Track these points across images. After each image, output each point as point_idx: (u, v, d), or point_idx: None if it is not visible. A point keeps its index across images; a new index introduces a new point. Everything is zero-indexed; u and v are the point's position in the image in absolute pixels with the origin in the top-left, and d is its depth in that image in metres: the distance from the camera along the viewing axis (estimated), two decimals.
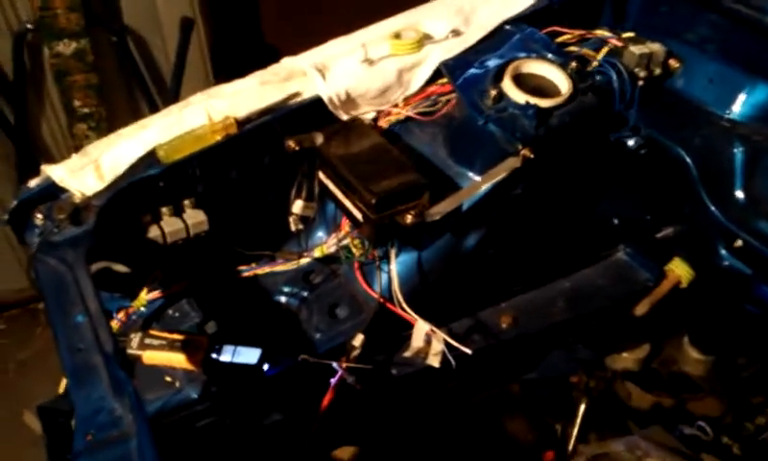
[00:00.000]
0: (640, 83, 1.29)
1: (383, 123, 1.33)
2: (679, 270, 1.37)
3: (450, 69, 1.30)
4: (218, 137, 1.18)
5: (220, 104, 1.22)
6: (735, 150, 1.26)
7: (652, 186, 1.40)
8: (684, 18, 1.41)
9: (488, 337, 1.34)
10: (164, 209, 1.21)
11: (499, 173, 1.18)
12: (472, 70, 1.29)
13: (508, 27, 1.37)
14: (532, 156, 1.17)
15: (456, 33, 1.35)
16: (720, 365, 1.58)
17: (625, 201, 1.46)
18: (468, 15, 1.39)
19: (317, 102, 1.26)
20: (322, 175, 1.23)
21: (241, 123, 1.21)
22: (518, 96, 1.22)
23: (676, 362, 1.64)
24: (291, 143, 1.24)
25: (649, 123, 1.34)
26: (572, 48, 1.43)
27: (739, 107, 1.29)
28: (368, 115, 1.32)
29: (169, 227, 1.15)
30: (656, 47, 1.38)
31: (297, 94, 1.27)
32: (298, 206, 1.23)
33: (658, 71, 1.39)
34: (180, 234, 1.16)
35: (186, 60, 2.26)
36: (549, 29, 1.45)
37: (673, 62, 1.40)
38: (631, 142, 1.33)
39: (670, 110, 1.35)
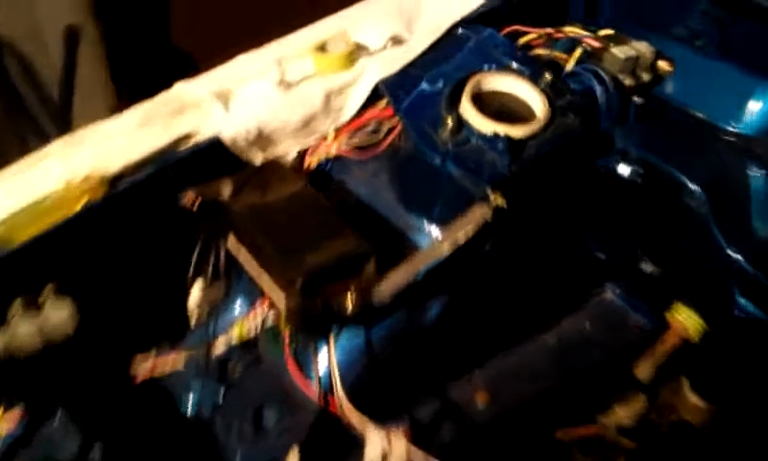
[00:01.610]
0: (637, 100, 1.03)
1: (310, 162, 1.03)
2: (686, 320, 1.13)
3: (392, 89, 1.00)
4: (78, 205, 0.85)
5: (82, 156, 0.89)
6: (750, 173, 1.02)
7: (646, 218, 1.15)
8: (673, 8, 1.16)
9: (462, 423, 1.06)
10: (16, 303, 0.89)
11: (465, 228, 0.90)
12: (420, 89, 1.00)
13: (461, 30, 1.09)
14: (504, 203, 0.90)
15: (397, 40, 1.06)
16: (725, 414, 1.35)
17: (612, 233, 1.21)
18: (410, 17, 1.10)
19: (219, 142, 0.95)
20: (230, 242, 0.92)
21: (113, 181, 0.89)
22: (483, 124, 0.94)
23: (675, 410, 1.41)
24: (190, 197, 0.93)
25: (640, 143, 1.08)
26: (540, 51, 1.17)
27: (750, 117, 1.04)
28: (289, 155, 1.02)
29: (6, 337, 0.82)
30: (642, 47, 1.12)
31: (190, 135, 0.95)
32: (196, 296, 0.91)
33: (646, 77, 1.13)
34: (29, 344, 0.83)
35: (75, 75, 1.89)
36: (510, 29, 1.18)
37: (663, 65, 1.14)
38: (623, 170, 1.07)
39: (664, 126, 1.09)
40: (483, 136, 0.92)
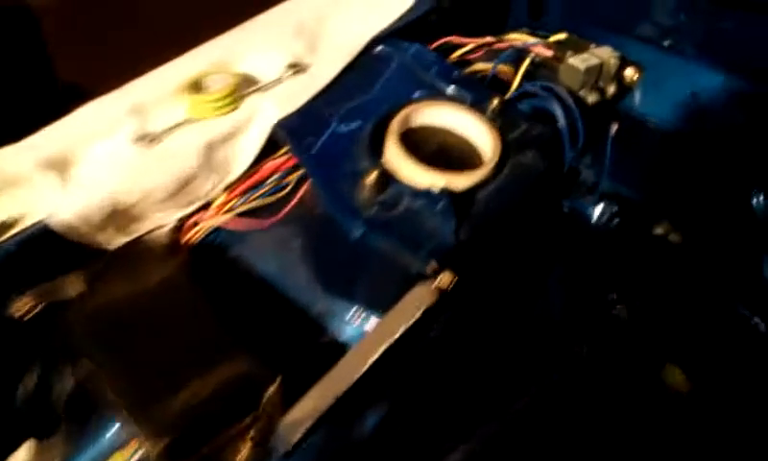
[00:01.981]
0: (613, 128, 0.81)
1: (190, 238, 0.77)
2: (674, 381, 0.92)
3: (293, 133, 0.75)
4: None
5: None
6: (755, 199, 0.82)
7: (622, 260, 0.94)
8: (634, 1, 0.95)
9: None
10: None
11: (402, 318, 0.67)
12: (331, 132, 0.76)
13: (381, 48, 0.85)
14: (453, 279, 0.66)
15: (297, 67, 0.82)
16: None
17: (581, 280, 1.00)
18: (313, 35, 0.85)
19: (54, 228, 0.69)
20: (80, 370, 0.66)
21: None
22: (416, 174, 0.70)
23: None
24: (23, 304, 0.66)
25: (613, 174, 0.87)
26: (480, 67, 0.94)
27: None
28: (163, 230, 0.76)
29: None
30: (605, 53, 0.91)
31: (14, 222, 0.68)
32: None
33: (612, 90, 0.92)
34: None
35: None
36: (441, 41, 0.95)
37: (630, 73, 0.94)
38: (595, 210, 0.85)
39: (640, 149, 0.89)
40: (417, 192, 0.69)
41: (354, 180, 0.70)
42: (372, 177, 0.68)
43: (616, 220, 0.83)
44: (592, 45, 0.92)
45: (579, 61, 0.87)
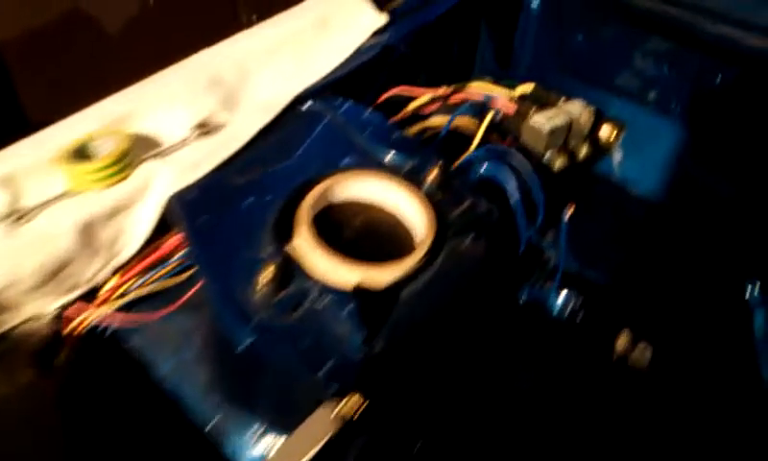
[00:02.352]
0: (568, 212, 0.68)
1: (75, 328, 0.65)
2: None
3: (189, 209, 0.64)
4: None
5: None
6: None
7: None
8: (615, 49, 0.83)
9: None
10: None
11: (303, 446, 0.54)
12: (235, 209, 0.63)
13: (309, 104, 0.73)
14: (359, 406, 0.53)
15: (207, 128, 0.70)
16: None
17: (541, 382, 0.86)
18: (232, 89, 0.73)
19: None
20: None
21: None
22: (326, 266, 0.57)
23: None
24: None
25: (578, 256, 0.74)
26: (435, 122, 0.82)
27: None
28: (41, 320, 0.65)
29: None
30: (576, 108, 0.78)
31: None
32: None
33: (584, 152, 0.80)
34: None
35: None
36: (390, 93, 0.83)
37: (606, 132, 0.81)
38: (556, 300, 0.72)
39: (618, 223, 0.76)
40: (324, 291, 0.56)
41: (251, 271, 0.58)
42: (268, 272, 0.56)
43: (582, 313, 0.69)
44: (562, 99, 0.79)
45: (543, 120, 0.74)
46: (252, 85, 0.74)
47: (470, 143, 0.77)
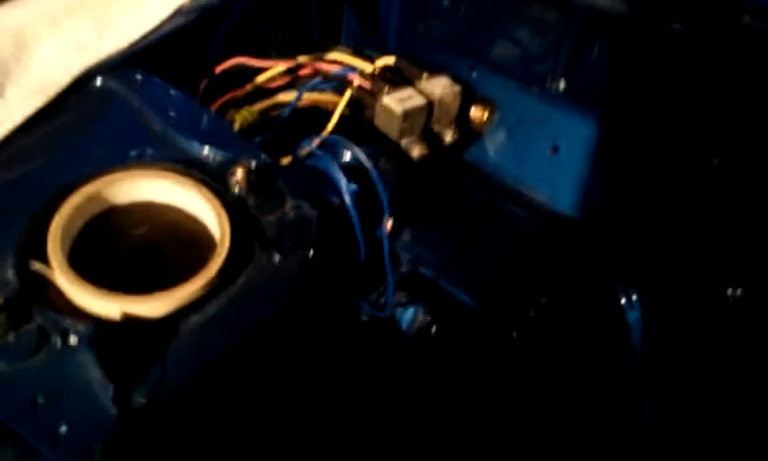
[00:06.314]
0: (388, 224, 0.56)
1: None
2: None
3: None
4: None
5: None
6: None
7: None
8: (487, 12, 0.70)
9: None
10: None
11: None
12: None
13: (99, 80, 0.59)
14: None
15: None
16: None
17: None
18: (4, 63, 0.59)
19: None
20: None
21: None
22: (80, 298, 0.45)
23: None
24: None
25: (433, 262, 0.62)
26: (282, 98, 0.69)
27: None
28: None
29: None
30: (439, 86, 0.66)
31: None
32: None
33: (450, 137, 0.68)
34: None
35: None
36: (228, 63, 0.70)
37: (477, 113, 0.70)
38: (404, 314, 0.60)
39: (475, 219, 0.65)
40: (71, 328, 0.43)
41: None
42: None
43: (434, 328, 0.58)
44: (425, 75, 0.67)
45: (395, 102, 0.62)
46: (30, 59, 0.59)
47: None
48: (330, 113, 0.68)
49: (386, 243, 0.53)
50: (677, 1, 0.55)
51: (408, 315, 0.58)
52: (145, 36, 0.63)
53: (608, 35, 0.59)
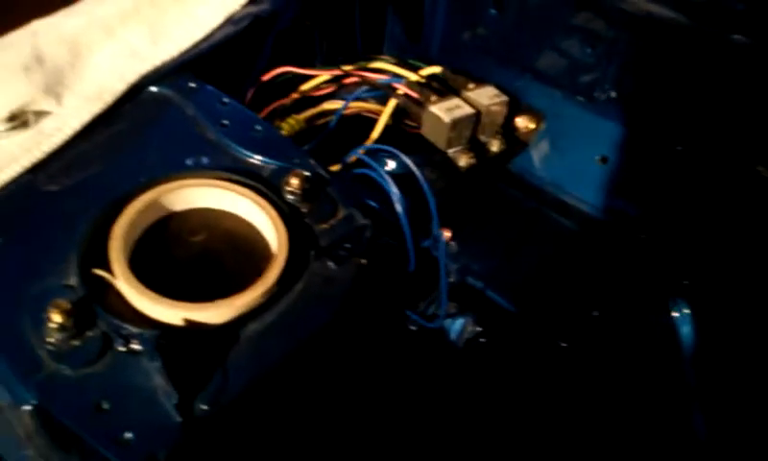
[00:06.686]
0: (445, 236, 0.56)
1: None
2: None
3: None
4: None
5: None
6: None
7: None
8: (536, 21, 0.70)
9: None
10: None
11: None
12: (40, 226, 0.50)
13: (153, 90, 0.60)
14: None
15: (20, 120, 0.55)
16: None
17: None
18: (59, 71, 0.59)
19: None
20: None
21: None
22: (143, 305, 0.45)
23: None
24: None
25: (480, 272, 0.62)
26: (328, 106, 0.70)
27: None
28: None
29: None
30: (485, 96, 0.66)
31: None
32: None
33: (496, 147, 0.68)
34: None
35: None
36: (275, 72, 0.70)
37: (524, 122, 0.70)
38: (452, 325, 0.60)
39: (516, 234, 0.65)
40: (135, 335, 0.44)
41: (41, 310, 0.45)
42: (61, 310, 0.43)
43: (482, 340, 0.58)
44: (471, 85, 0.67)
45: (443, 111, 0.62)
46: (85, 66, 0.60)
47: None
48: (373, 122, 0.68)
49: (442, 254, 0.53)
50: (739, 11, 0.54)
51: (457, 325, 0.58)
52: (196, 45, 0.64)
53: (662, 45, 0.58)
